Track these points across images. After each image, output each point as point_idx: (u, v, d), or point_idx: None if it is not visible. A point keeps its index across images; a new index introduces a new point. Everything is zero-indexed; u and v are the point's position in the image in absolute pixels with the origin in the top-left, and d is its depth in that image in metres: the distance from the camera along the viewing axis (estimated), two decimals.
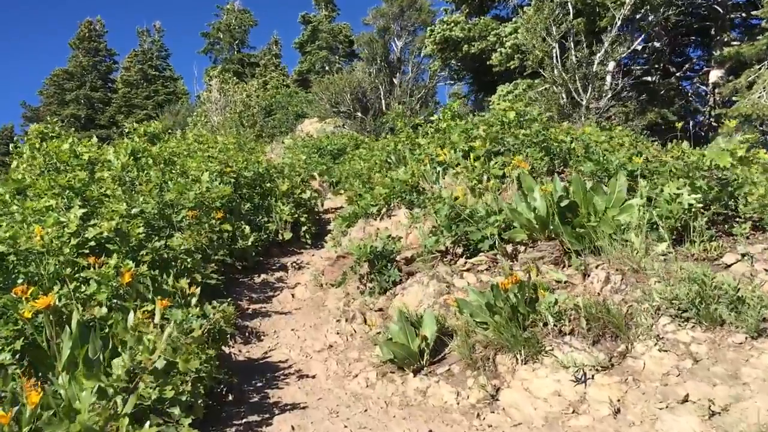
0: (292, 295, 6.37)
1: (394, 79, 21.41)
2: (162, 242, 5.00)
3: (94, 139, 7.07)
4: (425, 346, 3.99)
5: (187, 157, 8.12)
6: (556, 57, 11.69)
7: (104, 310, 3.47)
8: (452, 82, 22.54)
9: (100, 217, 5.04)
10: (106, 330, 3.44)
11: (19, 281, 3.66)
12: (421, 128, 11.74)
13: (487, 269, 5.00)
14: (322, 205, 10.94)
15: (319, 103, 21.78)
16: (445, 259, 5.46)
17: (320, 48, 39.74)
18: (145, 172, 6.54)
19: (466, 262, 5.21)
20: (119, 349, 2.98)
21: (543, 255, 4.70)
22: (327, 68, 38.50)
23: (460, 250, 5.41)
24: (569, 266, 4.55)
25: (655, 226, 4.20)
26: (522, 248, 4.95)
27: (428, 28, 17.94)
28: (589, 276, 4.25)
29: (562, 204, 4.64)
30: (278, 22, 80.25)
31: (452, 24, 17.00)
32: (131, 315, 3.50)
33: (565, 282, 4.29)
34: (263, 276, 6.92)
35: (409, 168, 7.10)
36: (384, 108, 20.64)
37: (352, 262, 5.68)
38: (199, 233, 5.67)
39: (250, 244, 7.05)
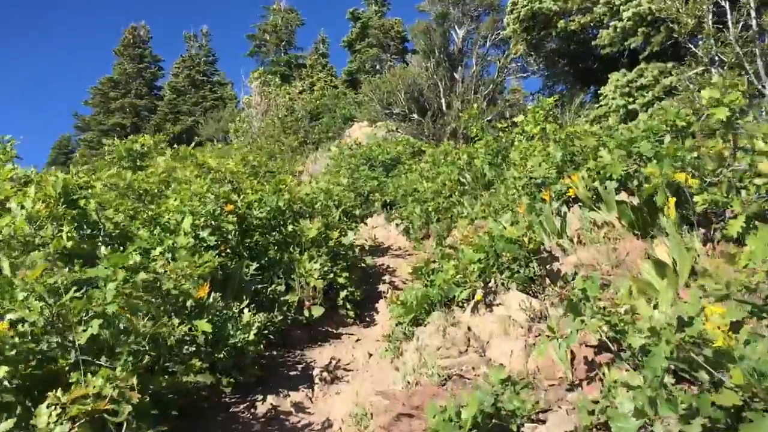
0: None
1: (455, 74, 18.27)
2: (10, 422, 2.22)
3: (7, 166, 4.46)
4: None
5: (166, 189, 5.42)
6: (718, 25, 8.19)
7: None
8: (524, 74, 19.08)
9: None
10: None
11: None
12: (504, 134, 8.77)
13: None
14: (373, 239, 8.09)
15: (369, 105, 18.92)
16: None
17: (370, 46, 36.89)
18: (67, 229, 3.83)
19: None
20: None
21: None
22: (378, 67, 35.77)
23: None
24: None
25: None
26: None
27: (509, 1, 14.46)
28: None
29: None
30: (325, 20, 77.17)
31: None
32: None
33: None
34: (270, 400, 4.07)
35: (516, 213, 4.10)
36: (444, 107, 17.59)
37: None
38: (129, 362, 2.87)
39: (251, 338, 4.22)
